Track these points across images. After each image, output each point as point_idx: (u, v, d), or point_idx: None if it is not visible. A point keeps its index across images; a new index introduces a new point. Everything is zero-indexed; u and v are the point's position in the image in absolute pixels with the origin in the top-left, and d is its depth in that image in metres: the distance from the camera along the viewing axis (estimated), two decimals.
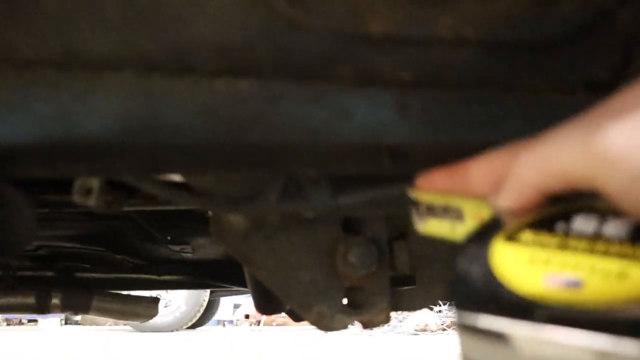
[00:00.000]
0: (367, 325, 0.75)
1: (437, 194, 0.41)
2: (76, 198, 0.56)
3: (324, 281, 0.73)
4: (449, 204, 0.40)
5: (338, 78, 0.44)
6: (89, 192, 0.56)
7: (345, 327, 0.75)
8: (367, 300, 0.74)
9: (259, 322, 6.58)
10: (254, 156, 0.47)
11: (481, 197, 0.37)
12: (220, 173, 0.56)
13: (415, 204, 0.43)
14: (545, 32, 0.44)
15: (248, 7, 0.41)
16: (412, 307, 0.80)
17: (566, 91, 0.48)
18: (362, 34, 0.41)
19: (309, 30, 0.42)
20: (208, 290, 4.72)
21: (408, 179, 0.55)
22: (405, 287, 0.80)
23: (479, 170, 0.37)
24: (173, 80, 0.43)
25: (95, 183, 0.56)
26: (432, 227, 0.42)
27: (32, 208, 0.61)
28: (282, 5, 0.40)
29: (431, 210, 0.41)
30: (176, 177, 0.61)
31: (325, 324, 0.74)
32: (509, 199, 0.33)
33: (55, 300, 1.38)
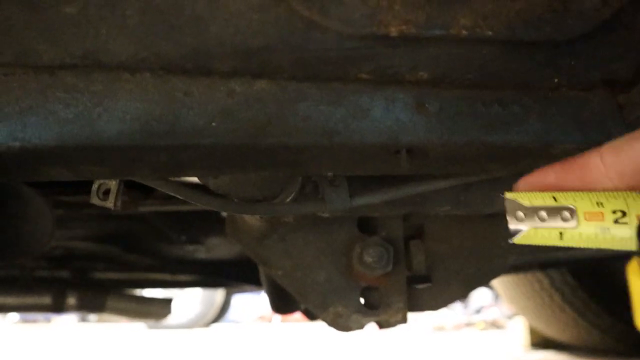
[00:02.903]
0: (383, 325, 0.75)
1: (541, 194, 0.37)
2: (94, 200, 0.57)
3: (340, 281, 0.73)
4: (559, 204, 0.36)
5: (356, 79, 0.44)
6: (107, 193, 0.56)
7: (361, 327, 0.74)
8: (383, 300, 0.73)
9: (273, 321, 6.61)
10: (271, 157, 0.47)
11: (606, 190, 0.34)
12: (237, 174, 0.56)
13: (511, 207, 0.39)
14: (564, 30, 0.44)
15: (266, 9, 0.41)
16: (429, 307, 0.79)
17: (586, 89, 0.47)
18: (380, 35, 0.41)
19: (327, 31, 0.42)
20: (222, 289, 4.74)
21: (426, 178, 0.54)
22: (422, 286, 0.80)
23: (608, 160, 0.34)
24: (191, 82, 0.44)
25: (113, 185, 0.56)
26: (534, 233, 0.37)
27: (52, 209, 0.62)
28: (301, 7, 0.40)
29: (533, 214, 0.37)
30: (193, 178, 0.62)
31: (342, 324, 0.73)
32: None
33: (70, 300, 1.40)
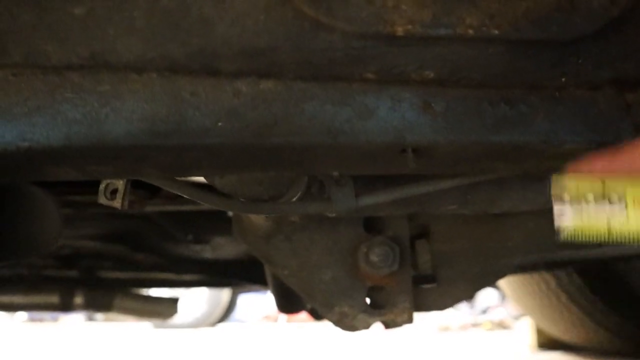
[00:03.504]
0: (389, 325, 0.75)
1: (590, 179, 0.37)
2: (102, 199, 0.57)
3: (346, 280, 0.73)
4: (608, 188, 0.36)
5: (362, 78, 0.44)
6: (114, 193, 0.57)
7: (367, 327, 0.74)
8: (389, 299, 0.73)
9: (278, 321, 6.62)
10: (277, 157, 0.47)
11: None
12: (244, 174, 0.56)
13: (557, 189, 0.38)
14: (571, 29, 0.43)
15: (273, 9, 0.41)
16: (435, 307, 0.79)
17: (593, 88, 0.47)
18: (386, 34, 0.41)
19: (334, 31, 0.42)
20: (228, 289, 4.75)
21: (432, 178, 0.54)
22: (427, 286, 0.80)
23: None
24: (198, 83, 0.44)
25: (120, 184, 0.57)
26: (582, 221, 0.37)
27: (59, 209, 0.62)
28: (307, 7, 0.40)
29: (582, 202, 0.37)
30: (199, 178, 0.62)
31: (348, 324, 0.74)
32: None
33: (78, 299, 1.40)
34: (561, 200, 0.38)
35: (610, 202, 0.36)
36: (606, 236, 0.36)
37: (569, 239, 0.37)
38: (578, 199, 0.37)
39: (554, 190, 0.38)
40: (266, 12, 0.41)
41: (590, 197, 0.36)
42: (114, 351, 3.26)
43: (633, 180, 0.35)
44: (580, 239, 0.37)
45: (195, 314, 4.97)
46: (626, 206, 0.35)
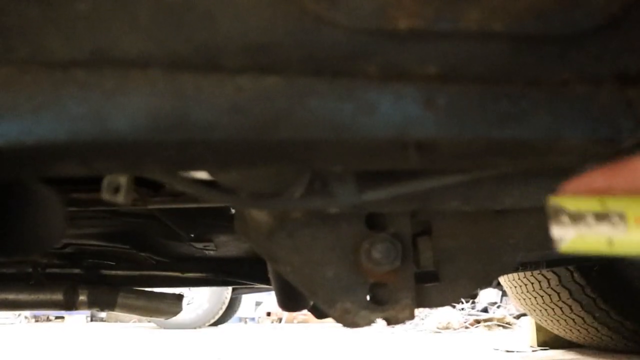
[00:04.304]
0: (391, 321, 0.75)
1: (588, 199, 0.35)
2: (105, 195, 0.57)
3: (348, 277, 0.73)
4: (608, 208, 0.34)
5: (364, 74, 0.44)
6: (117, 189, 0.57)
7: (369, 323, 0.75)
8: (391, 296, 0.74)
9: (280, 320, 6.61)
10: (280, 152, 0.48)
11: None
12: (246, 169, 0.57)
13: (555, 213, 0.36)
14: (573, 24, 0.44)
15: (275, 5, 0.42)
16: (437, 303, 0.79)
17: (595, 84, 0.47)
18: (389, 30, 0.42)
19: (336, 26, 0.42)
20: (230, 288, 4.76)
21: (435, 173, 0.54)
22: (430, 284, 0.80)
23: None
24: (201, 78, 0.44)
25: (123, 180, 0.57)
26: (581, 240, 0.35)
27: (63, 206, 0.63)
28: (310, 2, 0.41)
29: (580, 220, 0.35)
30: (201, 175, 0.62)
31: (350, 320, 0.74)
32: None
33: (82, 297, 1.41)
34: (560, 222, 0.36)
35: (611, 223, 0.34)
36: (607, 253, 0.34)
37: (569, 252, 0.36)
38: (577, 221, 0.35)
39: (551, 213, 0.36)
40: (269, 7, 0.42)
41: (590, 217, 0.35)
42: (116, 350, 3.27)
43: (634, 199, 0.34)
44: (578, 251, 0.35)
45: (198, 313, 4.97)
46: (627, 225, 0.33)
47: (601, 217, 0.34)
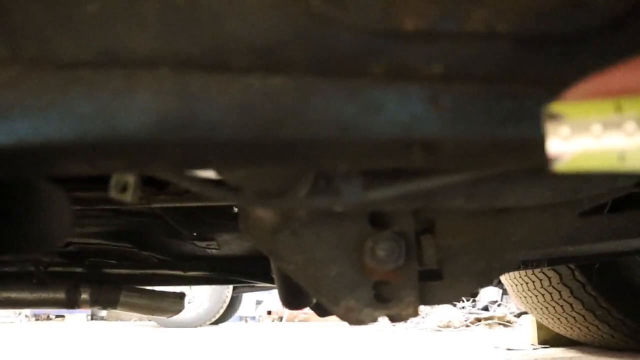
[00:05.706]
0: (395, 319, 0.76)
1: (600, 103, 0.28)
2: (113, 194, 0.58)
3: (352, 275, 0.73)
4: (623, 112, 0.27)
5: (370, 73, 0.45)
6: (125, 188, 0.57)
7: (373, 321, 0.75)
8: (394, 294, 0.74)
9: (281, 318, 6.62)
10: (287, 151, 0.48)
11: None
12: (253, 168, 0.57)
13: (553, 123, 0.29)
14: (577, 24, 0.44)
15: (283, 5, 0.42)
16: (440, 301, 0.80)
17: None
18: (395, 30, 0.42)
19: (343, 26, 0.42)
20: (231, 287, 4.77)
21: (439, 172, 0.55)
22: (433, 282, 0.80)
23: None
24: (208, 78, 0.44)
25: (131, 179, 0.57)
26: (584, 155, 0.28)
27: (69, 205, 0.63)
28: (317, 2, 0.41)
29: (584, 130, 0.28)
30: (206, 173, 0.62)
31: (354, 318, 0.74)
32: None
33: (84, 296, 1.41)
34: (558, 134, 0.29)
35: (625, 132, 0.27)
36: (616, 169, 0.27)
37: (566, 172, 0.28)
38: (580, 132, 0.28)
39: (547, 124, 0.29)
40: (276, 7, 0.42)
41: (598, 126, 0.27)
42: (118, 348, 3.28)
43: None
44: (581, 170, 0.28)
45: (198, 311, 4.98)
46: None
47: (612, 125, 0.27)
